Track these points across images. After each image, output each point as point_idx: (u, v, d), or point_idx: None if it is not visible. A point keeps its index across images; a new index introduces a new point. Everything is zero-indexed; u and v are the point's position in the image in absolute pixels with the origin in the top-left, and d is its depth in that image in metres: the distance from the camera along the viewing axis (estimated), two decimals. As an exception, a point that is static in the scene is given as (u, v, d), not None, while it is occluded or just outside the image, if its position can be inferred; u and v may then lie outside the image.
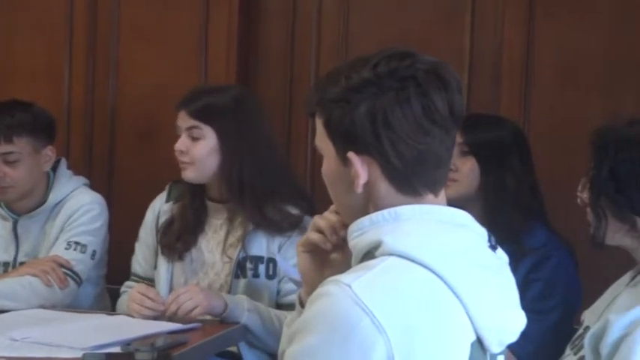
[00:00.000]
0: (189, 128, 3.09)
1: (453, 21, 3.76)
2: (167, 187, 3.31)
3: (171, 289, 3.17)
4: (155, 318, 2.91)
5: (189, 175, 3.10)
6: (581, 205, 2.34)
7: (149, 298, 2.95)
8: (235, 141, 3.08)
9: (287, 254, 3.07)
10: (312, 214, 3.00)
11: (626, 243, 2.27)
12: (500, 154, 3.06)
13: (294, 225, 3.08)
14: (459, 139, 3.00)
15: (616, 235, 2.26)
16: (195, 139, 3.09)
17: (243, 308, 2.96)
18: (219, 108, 3.11)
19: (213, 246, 3.17)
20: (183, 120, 3.11)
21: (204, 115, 3.09)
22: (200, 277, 3.15)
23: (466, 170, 3.05)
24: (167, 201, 3.27)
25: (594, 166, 2.28)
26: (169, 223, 3.22)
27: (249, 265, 3.10)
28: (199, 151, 3.08)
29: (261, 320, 2.98)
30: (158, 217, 3.27)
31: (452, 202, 1.75)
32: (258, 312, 2.99)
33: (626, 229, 2.25)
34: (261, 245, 3.11)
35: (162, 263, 3.20)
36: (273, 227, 3.08)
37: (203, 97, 3.13)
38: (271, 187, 3.10)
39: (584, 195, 2.33)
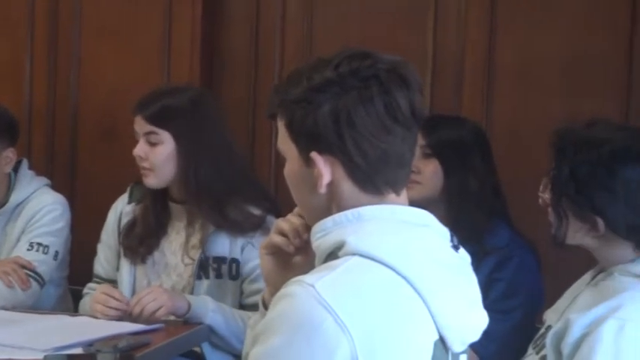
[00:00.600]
0: (147, 134, 3.06)
1: (416, 22, 3.76)
2: (129, 188, 3.28)
3: (134, 291, 3.15)
4: (119, 319, 2.89)
5: (151, 181, 3.08)
6: (542, 206, 2.35)
7: (114, 298, 2.93)
8: (191, 143, 3.06)
9: (250, 255, 3.06)
10: (275, 214, 3.01)
11: (586, 242, 2.29)
12: (462, 155, 3.06)
13: (257, 225, 3.06)
14: (421, 141, 3.01)
15: (577, 235, 2.28)
16: (153, 144, 3.06)
17: (207, 309, 2.95)
18: (175, 111, 3.07)
19: (176, 248, 3.15)
20: (140, 125, 3.08)
21: (159, 119, 3.05)
22: (163, 280, 3.13)
23: (429, 172, 3.05)
24: (129, 202, 3.24)
25: (555, 167, 2.30)
26: (131, 225, 3.19)
27: (211, 266, 3.08)
28: (158, 157, 3.05)
29: (225, 320, 2.98)
30: (120, 219, 3.24)
31: (415, 204, 1.75)
32: (222, 312, 2.98)
33: (587, 228, 2.26)
34: (223, 246, 3.09)
35: (125, 265, 3.18)
36: (235, 228, 3.07)
37: (158, 101, 3.09)
38: (231, 188, 3.07)
39: (545, 195, 2.34)
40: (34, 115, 4.08)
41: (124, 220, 3.22)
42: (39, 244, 3.31)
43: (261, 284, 2.95)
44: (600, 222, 2.23)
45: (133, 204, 3.23)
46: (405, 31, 3.75)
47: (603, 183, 2.23)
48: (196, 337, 2.92)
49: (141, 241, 3.15)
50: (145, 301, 2.88)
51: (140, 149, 3.07)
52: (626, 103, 3.55)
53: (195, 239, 3.11)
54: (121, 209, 3.25)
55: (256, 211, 3.08)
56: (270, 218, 3.04)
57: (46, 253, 3.31)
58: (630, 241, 2.25)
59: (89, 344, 2.56)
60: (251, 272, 3.07)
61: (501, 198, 3.14)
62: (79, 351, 2.51)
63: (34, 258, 3.28)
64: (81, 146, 4.05)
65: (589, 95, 3.57)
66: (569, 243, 2.29)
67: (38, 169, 3.56)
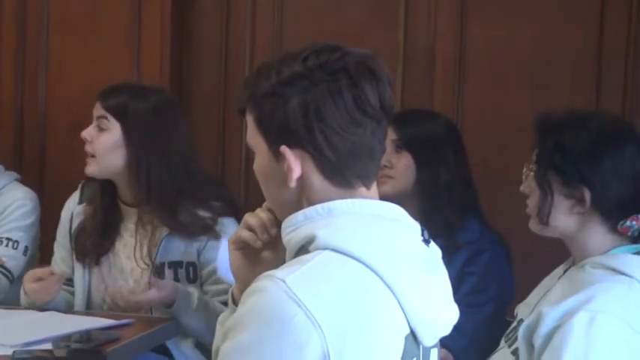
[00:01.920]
0: (99, 117, 3.06)
1: (387, 17, 3.77)
2: (80, 186, 3.25)
3: (89, 295, 3.13)
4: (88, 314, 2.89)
5: (91, 169, 3.07)
6: (523, 193, 2.35)
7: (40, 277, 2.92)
8: (144, 142, 3.04)
9: (208, 257, 3.05)
10: (231, 214, 2.99)
11: (567, 225, 2.27)
12: (434, 149, 3.06)
13: (205, 229, 3.03)
14: (393, 135, 3.02)
15: (560, 215, 2.27)
16: (101, 129, 3.06)
17: (193, 300, 2.93)
18: (132, 107, 3.06)
19: (130, 251, 3.11)
20: (96, 109, 3.08)
21: (114, 109, 3.05)
22: (121, 285, 3.08)
23: (401, 166, 3.05)
24: (80, 202, 3.21)
25: (539, 144, 2.29)
26: (82, 228, 3.16)
27: (167, 271, 3.06)
28: (103, 143, 3.04)
29: (207, 316, 2.92)
30: (71, 220, 3.20)
31: (388, 198, 1.74)
32: (205, 306, 2.95)
33: (572, 205, 2.25)
34: (178, 249, 3.06)
35: (78, 268, 3.15)
36: (184, 231, 3.04)
37: (120, 93, 3.09)
38: (183, 191, 3.04)
39: (530, 182, 2.33)
40: (2, 111, 4.05)
41: (75, 222, 3.18)
42: (8, 239, 3.29)
43: (223, 285, 2.95)
44: (587, 193, 2.22)
45: (84, 204, 3.19)
46: (377, 24, 3.76)
47: (591, 151, 2.24)
48: (167, 332, 2.91)
49: (92, 243, 3.11)
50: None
51: (87, 132, 3.07)
52: (595, 98, 3.58)
53: (149, 243, 3.07)
54: (72, 209, 3.21)
55: (207, 214, 3.04)
56: (224, 220, 3.03)
57: (15, 249, 3.29)
58: (609, 221, 2.25)
59: (58, 340, 2.54)
60: (211, 274, 3.06)
61: (473, 192, 3.14)
62: (48, 346, 2.49)
63: (3, 253, 3.26)
64: (50, 142, 4.03)
65: (558, 89, 3.59)
66: (552, 224, 2.27)
67: (6, 165, 3.53)
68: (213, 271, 3.03)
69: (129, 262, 3.11)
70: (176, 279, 3.05)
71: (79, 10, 3.96)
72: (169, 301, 2.90)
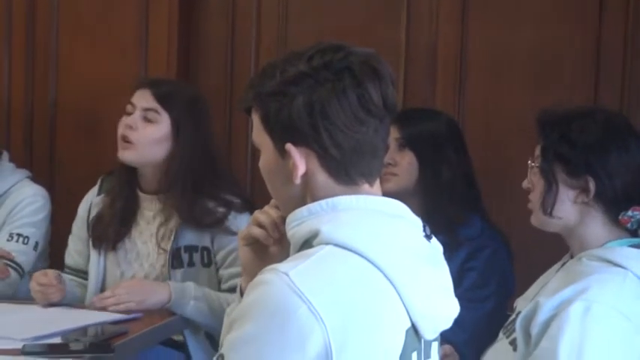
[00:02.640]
0: (147, 109, 3.04)
1: (390, 16, 3.76)
2: (99, 180, 3.27)
3: (103, 282, 3.15)
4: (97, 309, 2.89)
5: (128, 155, 3.05)
6: (526, 188, 2.35)
7: (40, 283, 2.92)
8: (189, 136, 3.04)
9: (221, 243, 3.07)
10: (246, 210, 2.99)
11: (570, 215, 2.28)
12: (437, 147, 3.07)
13: (216, 222, 3.05)
14: (396, 134, 3.03)
15: (564, 206, 2.28)
16: (148, 120, 3.04)
17: (190, 296, 2.94)
18: (183, 98, 3.07)
19: (147, 237, 3.13)
20: (145, 99, 3.05)
21: (167, 100, 3.04)
22: (135, 269, 3.12)
23: (405, 164, 3.06)
24: (99, 194, 3.23)
25: (544, 138, 2.30)
26: (100, 215, 3.17)
27: (183, 255, 3.08)
28: (150, 135, 3.02)
29: (209, 307, 2.96)
30: (90, 211, 3.22)
31: (391, 195, 1.75)
32: (205, 299, 2.97)
33: (576, 194, 2.26)
34: (193, 235, 3.08)
35: (94, 255, 3.16)
36: (193, 221, 3.05)
37: (170, 84, 3.11)
38: (203, 183, 3.06)
39: (533, 177, 2.34)
40: (13, 110, 4.05)
41: (94, 211, 3.20)
42: (19, 235, 3.30)
43: (237, 268, 2.96)
44: (592, 182, 2.23)
45: (103, 195, 3.21)
46: (379, 24, 3.76)
47: (599, 142, 2.25)
48: (175, 325, 2.91)
49: (110, 228, 3.12)
50: (118, 294, 2.88)
51: (133, 120, 3.03)
52: (594, 96, 3.57)
53: (166, 229, 3.09)
54: (91, 201, 3.23)
55: (221, 209, 3.06)
56: (237, 214, 3.04)
57: (26, 244, 3.30)
58: (611, 212, 2.26)
59: (67, 333, 2.54)
60: (225, 259, 3.07)
61: (475, 189, 3.15)
62: (57, 340, 2.49)
63: (14, 248, 3.26)
64: (60, 140, 4.03)
65: (558, 87, 3.58)
66: (556, 215, 2.28)
67: (18, 163, 3.54)
68: (228, 254, 3.05)
69: (145, 247, 3.12)
70: (191, 263, 3.07)
71: (88, 9, 3.96)
72: (163, 302, 2.92)
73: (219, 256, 3.08)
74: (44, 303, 2.94)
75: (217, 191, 3.08)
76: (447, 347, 2.72)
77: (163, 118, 3.03)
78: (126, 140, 3.04)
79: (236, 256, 2.99)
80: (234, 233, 2.96)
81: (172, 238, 3.06)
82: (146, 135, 3.03)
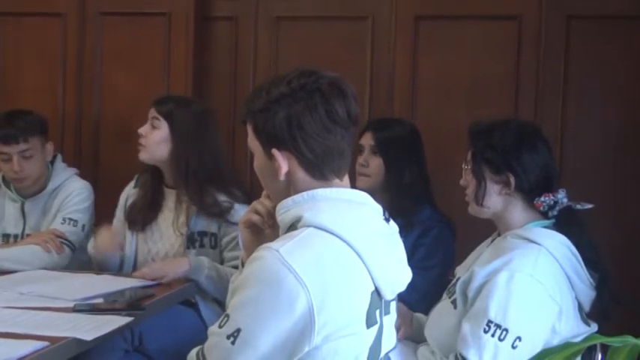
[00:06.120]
0: (152, 118, 3.07)
1: (357, 47, 3.78)
2: (135, 177, 3.27)
3: (136, 254, 3.15)
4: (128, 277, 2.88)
5: (142, 155, 3.08)
6: (463, 185, 2.34)
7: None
8: (184, 140, 3.04)
9: (225, 231, 3.05)
10: (246, 202, 2.97)
11: (497, 205, 2.27)
12: (401, 151, 3.07)
13: (223, 211, 3.02)
14: (370, 140, 3.07)
15: (491, 198, 2.26)
16: (154, 127, 3.06)
17: (205, 266, 2.93)
18: (176, 112, 3.07)
19: (169, 223, 3.12)
20: (151, 112, 3.09)
21: (165, 113, 3.06)
22: (159, 247, 3.12)
23: (375, 166, 3.07)
24: (134, 187, 3.24)
25: (473, 145, 2.29)
26: (134, 204, 3.19)
27: (196, 238, 3.06)
28: (153, 138, 3.05)
29: (218, 276, 2.94)
30: (127, 200, 3.23)
31: (364, 191, 1.74)
32: (215, 269, 2.96)
33: (500, 188, 2.25)
34: (204, 223, 3.06)
35: (129, 236, 3.17)
36: (206, 211, 3.03)
37: (170, 101, 3.12)
38: (210, 179, 3.05)
39: (467, 175, 2.32)
40: (66, 123, 4.03)
41: (130, 201, 3.21)
42: (70, 219, 3.27)
43: (237, 252, 2.95)
44: (512, 178, 2.23)
45: (137, 189, 3.22)
46: (350, 55, 3.76)
47: (514, 146, 2.24)
48: (189, 290, 2.90)
49: (141, 213, 3.14)
50: (153, 269, 2.87)
51: (143, 129, 3.08)
52: (514, 111, 3.62)
53: (182, 217, 3.08)
54: (128, 193, 3.25)
55: (226, 199, 3.04)
56: (239, 206, 3.01)
57: (75, 226, 3.27)
58: (528, 199, 2.25)
59: (108, 296, 2.53)
60: (228, 244, 3.05)
61: (428, 184, 3.14)
62: (100, 301, 2.47)
63: (67, 230, 3.24)
64: (102, 146, 4.02)
65: (487, 106, 3.62)
66: (486, 205, 2.27)
67: (68, 163, 3.51)
68: (230, 240, 3.04)
69: (167, 230, 3.11)
70: (202, 245, 3.05)
71: (124, 43, 3.95)
72: (185, 270, 2.90)
73: (223, 241, 3.06)
74: (104, 250, 3.01)
75: (224, 186, 3.06)
76: (402, 305, 2.71)
77: (163, 124, 3.05)
78: (140, 144, 3.08)
79: (237, 243, 2.99)
80: (236, 224, 2.94)
81: (187, 224, 3.05)
82: (152, 138, 3.06)
